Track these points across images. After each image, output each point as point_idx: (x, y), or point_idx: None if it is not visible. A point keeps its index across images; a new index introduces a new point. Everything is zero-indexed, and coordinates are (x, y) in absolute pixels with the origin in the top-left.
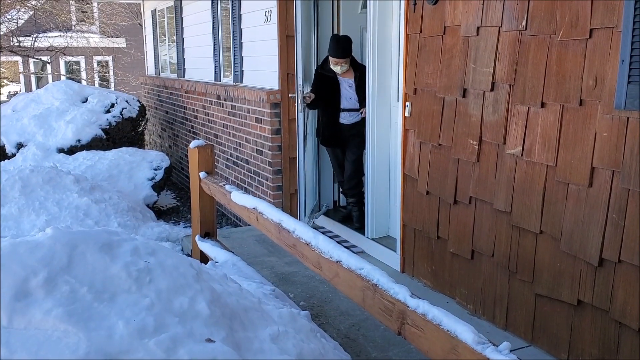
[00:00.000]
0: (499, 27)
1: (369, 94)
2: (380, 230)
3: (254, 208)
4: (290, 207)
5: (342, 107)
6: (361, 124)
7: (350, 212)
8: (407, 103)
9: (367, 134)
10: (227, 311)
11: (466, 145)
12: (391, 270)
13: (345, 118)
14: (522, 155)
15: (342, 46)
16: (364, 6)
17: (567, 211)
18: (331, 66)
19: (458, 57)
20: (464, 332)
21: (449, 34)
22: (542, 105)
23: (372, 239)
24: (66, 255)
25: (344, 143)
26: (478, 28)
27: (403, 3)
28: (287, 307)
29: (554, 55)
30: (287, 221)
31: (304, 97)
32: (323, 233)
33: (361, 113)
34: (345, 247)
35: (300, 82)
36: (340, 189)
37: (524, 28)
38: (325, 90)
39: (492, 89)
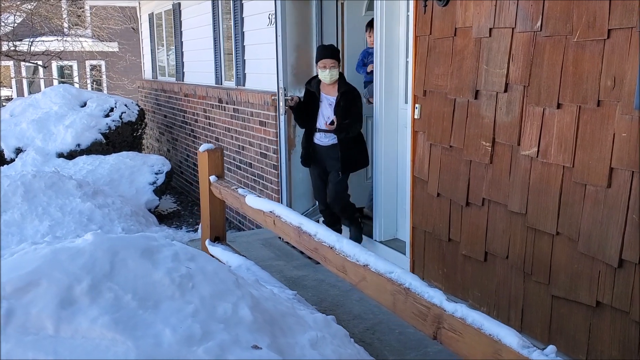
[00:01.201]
0: (513, 28)
1: (376, 96)
2: (389, 233)
3: (270, 212)
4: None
5: (317, 126)
6: (342, 147)
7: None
8: (417, 105)
9: (375, 136)
10: (267, 317)
11: (479, 147)
12: None
13: (320, 139)
14: (537, 156)
15: (330, 47)
16: (370, 8)
17: (584, 212)
18: (319, 75)
19: (469, 58)
20: (508, 335)
21: (460, 36)
22: (558, 106)
23: (380, 242)
24: (108, 262)
25: (321, 164)
26: (490, 29)
27: (412, 4)
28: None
29: (570, 56)
30: (308, 224)
31: (286, 100)
32: None
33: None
34: None
35: (281, 84)
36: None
37: (539, 29)
38: (307, 107)
39: (505, 90)
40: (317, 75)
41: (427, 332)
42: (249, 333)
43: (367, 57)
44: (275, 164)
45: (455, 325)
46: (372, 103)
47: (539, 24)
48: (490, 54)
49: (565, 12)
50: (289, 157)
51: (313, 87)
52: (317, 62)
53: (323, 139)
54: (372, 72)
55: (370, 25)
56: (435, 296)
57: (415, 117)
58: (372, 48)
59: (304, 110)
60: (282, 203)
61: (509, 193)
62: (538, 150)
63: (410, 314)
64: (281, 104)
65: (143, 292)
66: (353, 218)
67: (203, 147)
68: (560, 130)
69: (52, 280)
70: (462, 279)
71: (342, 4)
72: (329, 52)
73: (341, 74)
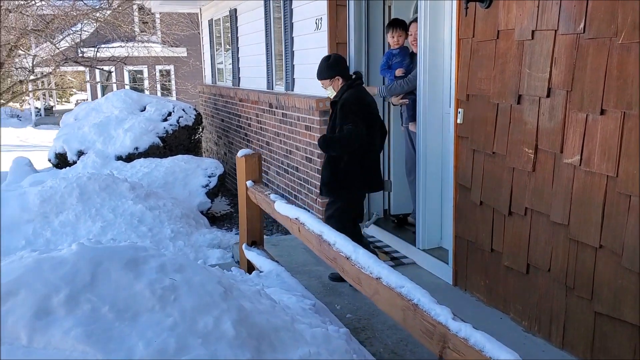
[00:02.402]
0: (555, 31)
1: (420, 100)
2: (432, 241)
3: (296, 218)
4: None
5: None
6: (326, 165)
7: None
8: (460, 109)
9: (418, 141)
10: (254, 331)
11: (521, 154)
12: (443, 283)
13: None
14: (580, 164)
15: (320, 66)
16: (417, 11)
17: (629, 225)
18: None
19: (512, 62)
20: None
21: (503, 38)
22: (602, 112)
23: (424, 250)
24: (90, 273)
25: None
26: (533, 32)
27: (455, 6)
28: (327, 323)
29: (614, 59)
30: (328, 233)
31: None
32: (373, 243)
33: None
34: (396, 257)
35: None
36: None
37: (582, 31)
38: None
39: (548, 95)
40: None
41: (434, 350)
42: (229, 348)
43: (391, 58)
44: (320, 168)
45: (458, 346)
46: (397, 104)
47: (582, 25)
48: (533, 58)
49: (610, 13)
50: None
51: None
52: None
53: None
54: (401, 75)
55: (391, 25)
56: (441, 314)
57: (458, 121)
58: (396, 49)
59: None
60: None
61: (551, 203)
62: (581, 159)
63: (418, 331)
64: None
65: (122, 304)
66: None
67: (241, 153)
68: (604, 138)
69: (31, 290)
70: (504, 291)
71: (390, 6)
72: (317, 74)
73: (346, 83)
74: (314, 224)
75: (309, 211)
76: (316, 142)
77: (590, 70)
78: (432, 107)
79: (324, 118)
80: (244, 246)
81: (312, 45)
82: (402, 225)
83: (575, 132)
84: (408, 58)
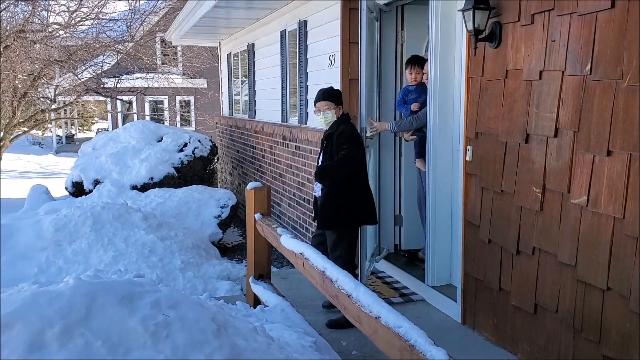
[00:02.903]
0: (563, 72)
1: (430, 136)
2: (442, 278)
3: (300, 253)
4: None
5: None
6: (325, 197)
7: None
8: (469, 147)
9: (428, 177)
10: None
11: (529, 193)
12: (451, 321)
13: (316, 190)
14: (587, 205)
15: (321, 90)
16: (428, 49)
17: (636, 267)
18: (317, 119)
19: (520, 101)
20: None
21: (511, 78)
22: (609, 153)
23: (433, 287)
24: (85, 307)
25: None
26: (541, 72)
27: (465, 46)
28: None
29: (620, 101)
30: (331, 270)
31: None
32: (383, 278)
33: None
34: (405, 294)
35: (363, 124)
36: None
37: (589, 72)
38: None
39: (555, 135)
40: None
41: None
42: None
43: (407, 94)
44: None
45: None
46: (408, 140)
47: (588, 67)
48: (541, 97)
49: (616, 56)
50: None
51: (323, 136)
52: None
53: (317, 189)
54: (416, 110)
55: (410, 62)
56: (437, 355)
57: (467, 159)
58: (412, 85)
59: None
60: (359, 244)
61: (558, 243)
62: (588, 199)
63: None
64: None
65: (116, 339)
66: None
67: (250, 185)
68: (611, 179)
69: (26, 324)
70: (511, 331)
71: (402, 44)
72: (320, 95)
73: (343, 116)
74: (318, 260)
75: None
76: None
77: (597, 112)
78: (442, 144)
79: None
80: (250, 279)
81: (325, 80)
82: (413, 260)
83: (582, 173)
84: (424, 94)
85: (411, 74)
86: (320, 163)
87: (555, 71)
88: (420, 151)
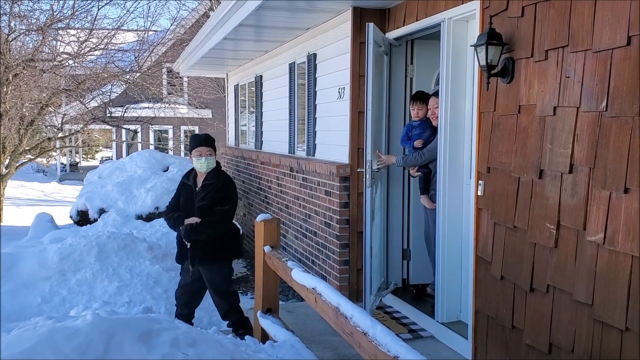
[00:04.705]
0: (577, 108)
1: (440, 170)
2: (452, 315)
3: (313, 288)
4: (357, 283)
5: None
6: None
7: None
8: (480, 181)
9: (438, 211)
10: None
11: (543, 229)
12: (462, 359)
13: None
14: (604, 243)
15: (205, 136)
16: (438, 83)
17: None
18: (194, 163)
19: (534, 136)
20: None
21: (524, 113)
22: (626, 190)
23: (442, 324)
24: (102, 345)
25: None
26: (555, 108)
27: (477, 80)
28: None
29: (637, 137)
30: (345, 306)
31: (373, 173)
32: (390, 313)
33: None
34: (414, 330)
35: (369, 157)
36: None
37: (604, 109)
38: (179, 202)
39: (570, 171)
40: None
41: None
42: None
43: (411, 130)
44: (338, 234)
45: None
46: (415, 176)
47: (604, 103)
48: (555, 133)
49: (632, 93)
50: (370, 229)
51: (191, 180)
52: (190, 152)
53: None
54: (419, 147)
55: (414, 98)
56: None
57: (479, 194)
58: (416, 121)
59: (177, 210)
60: (365, 278)
61: (574, 281)
62: (605, 237)
63: None
64: (367, 176)
65: None
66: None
67: (260, 217)
68: (628, 217)
69: None
70: None
71: (411, 78)
72: (204, 140)
73: (218, 164)
74: (332, 296)
75: (326, 278)
76: (335, 207)
77: (614, 148)
78: (453, 178)
79: (345, 184)
80: (259, 313)
81: (334, 112)
82: (421, 295)
83: (598, 210)
84: (429, 130)
85: (414, 109)
86: (191, 207)
87: (570, 107)
88: (425, 187)
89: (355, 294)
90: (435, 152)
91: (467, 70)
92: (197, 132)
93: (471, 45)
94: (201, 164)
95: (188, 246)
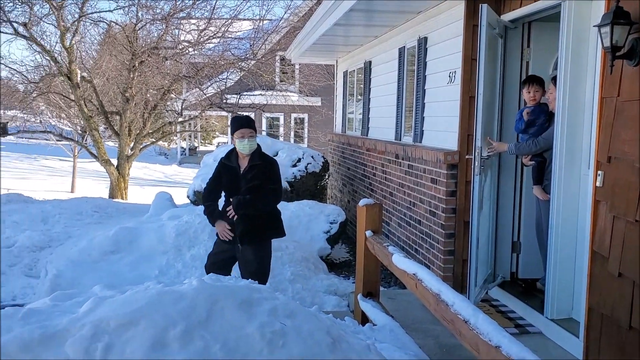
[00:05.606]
0: None
1: (556, 159)
2: (562, 311)
3: (413, 274)
4: (461, 274)
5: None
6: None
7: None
8: (599, 172)
9: (552, 203)
10: None
11: None
12: (572, 358)
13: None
14: None
15: (246, 118)
16: (557, 67)
17: None
18: (237, 146)
19: None
20: None
21: None
22: None
23: (552, 320)
24: (206, 310)
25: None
26: None
27: (599, 63)
28: None
29: None
30: (447, 293)
31: (482, 160)
32: (496, 307)
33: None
34: (521, 325)
35: (478, 143)
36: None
37: None
38: (220, 185)
39: None
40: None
41: None
42: None
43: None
44: (444, 223)
45: None
46: (528, 165)
47: None
48: None
49: None
50: (478, 218)
51: (233, 161)
52: (233, 134)
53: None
54: (531, 122)
55: (530, 81)
56: None
57: (598, 185)
58: (531, 106)
59: (217, 191)
60: (470, 269)
61: None
62: None
63: None
64: (476, 163)
65: (233, 344)
66: None
67: (362, 202)
68: None
69: (150, 322)
70: None
71: (527, 62)
72: (246, 122)
73: (259, 145)
74: (433, 282)
75: (429, 267)
76: (441, 196)
77: None
78: (569, 168)
79: (452, 172)
80: (359, 296)
81: (443, 98)
82: (530, 290)
83: None
84: (544, 116)
85: (529, 92)
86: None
87: None
88: (538, 177)
89: (459, 285)
90: (550, 140)
91: (589, 53)
92: (306, 119)
93: (594, 26)
94: (244, 146)
95: (235, 219)
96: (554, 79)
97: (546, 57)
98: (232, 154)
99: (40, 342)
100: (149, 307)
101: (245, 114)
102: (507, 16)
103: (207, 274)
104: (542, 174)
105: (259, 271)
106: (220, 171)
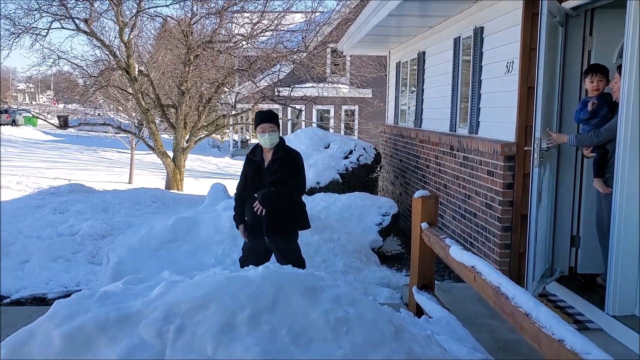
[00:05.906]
0: None
1: (619, 150)
2: (625, 308)
3: (472, 266)
4: (518, 268)
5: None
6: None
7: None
8: None
9: (615, 196)
10: None
11: None
12: (635, 356)
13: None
14: None
15: (267, 112)
16: (621, 55)
17: None
18: (259, 140)
19: None
20: None
21: None
22: None
23: (614, 317)
24: (272, 295)
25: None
26: None
27: None
28: None
29: None
30: (507, 285)
31: (541, 151)
32: (554, 302)
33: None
34: (580, 320)
35: (537, 134)
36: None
37: None
38: (247, 180)
39: None
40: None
41: None
42: None
43: (586, 106)
44: (500, 216)
45: None
46: (589, 157)
47: None
48: None
49: None
50: (536, 211)
51: (257, 156)
52: (255, 129)
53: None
54: (594, 112)
55: (592, 70)
56: None
57: None
58: (595, 97)
59: (245, 195)
60: (527, 263)
61: None
62: None
63: None
64: (535, 155)
65: (298, 329)
66: None
67: (418, 194)
68: None
69: (220, 305)
70: None
71: (590, 50)
72: (267, 117)
73: (282, 139)
74: (492, 275)
75: (485, 260)
76: (498, 188)
77: None
78: (633, 160)
79: (509, 164)
80: (414, 289)
81: (500, 88)
82: (590, 286)
83: None
84: (606, 107)
85: (592, 81)
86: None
87: None
88: (599, 170)
89: (515, 279)
90: (613, 131)
91: None
92: (356, 111)
93: None
94: (264, 140)
95: (262, 213)
96: (619, 68)
97: (610, 46)
98: (257, 148)
99: (116, 323)
100: (219, 291)
101: (266, 109)
102: (569, 4)
103: (241, 267)
104: (603, 167)
105: (297, 260)
106: (246, 169)
